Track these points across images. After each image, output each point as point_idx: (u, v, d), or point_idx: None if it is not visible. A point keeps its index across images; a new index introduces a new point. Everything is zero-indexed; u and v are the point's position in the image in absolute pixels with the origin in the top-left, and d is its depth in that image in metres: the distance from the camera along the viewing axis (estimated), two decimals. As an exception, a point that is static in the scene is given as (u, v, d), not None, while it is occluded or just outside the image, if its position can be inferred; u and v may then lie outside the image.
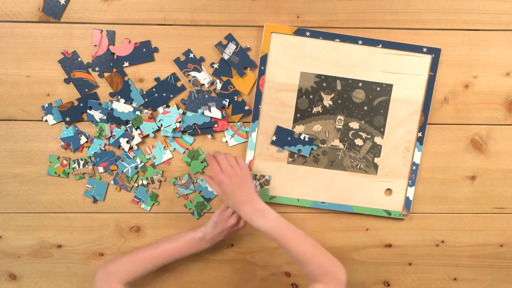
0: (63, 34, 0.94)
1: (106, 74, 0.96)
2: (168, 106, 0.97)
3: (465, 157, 1.03)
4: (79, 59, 0.95)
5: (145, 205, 1.02)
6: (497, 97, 1.00)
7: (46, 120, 0.97)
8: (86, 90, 0.96)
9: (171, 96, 0.97)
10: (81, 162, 0.99)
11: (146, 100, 0.97)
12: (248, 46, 0.96)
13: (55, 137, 0.98)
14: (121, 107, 0.96)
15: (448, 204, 1.05)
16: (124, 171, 1.00)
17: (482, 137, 1.02)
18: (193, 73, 0.96)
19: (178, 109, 0.97)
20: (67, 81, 0.96)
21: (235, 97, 0.98)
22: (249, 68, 0.97)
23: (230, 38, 0.95)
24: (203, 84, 0.97)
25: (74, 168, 0.99)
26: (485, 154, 1.03)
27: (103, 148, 0.99)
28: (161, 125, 0.97)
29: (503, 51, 0.98)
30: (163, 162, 1.00)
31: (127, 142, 0.98)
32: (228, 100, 0.97)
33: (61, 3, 0.93)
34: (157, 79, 0.97)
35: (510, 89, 1.00)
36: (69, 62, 0.95)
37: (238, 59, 0.96)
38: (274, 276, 1.08)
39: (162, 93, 0.97)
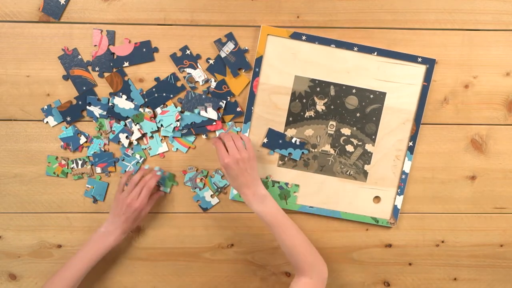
0: (63, 34, 0.94)
1: (106, 74, 0.96)
2: (165, 106, 0.97)
3: (465, 157, 1.03)
4: (79, 56, 0.95)
5: (164, 188, 1.01)
6: (497, 97, 1.00)
7: (47, 122, 0.97)
8: (84, 88, 0.96)
9: (171, 96, 0.97)
10: (80, 162, 0.99)
11: (146, 100, 0.97)
12: (246, 47, 0.96)
13: (55, 137, 0.98)
14: (122, 103, 0.96)
15: (448, 204, 1.05)
16: (127, 170, 1.00)
17: (482, 137, 1.02)
18: (188, 70, 0.96)
19: (176, 107, 0.97)
20: (65, 77, 0.96)
21: (228, 97, 0.98)
22: (243, 70, 0.97)
23: (230, 37, 0.95)
24: (197, 82, 0.97)
25: (72, 168, 0.99)
26: (485, 154, 1.03)
27: (103, 148, 0.99)
28: (161, 125, 0.98)
29: (503, 51, 0.98)
30: (158, 154, 1.00)
31: (126, 137, 0.98)
32: (225, 102, 0.97)
33: (61, 3, 0.93)
34: (157, 79, 0.97)
35: (510, 89, 1.00)
36: (69, 59, 0.95)
37: (234, 59, 0.96)
38: (274, 276, 1.08)
39: (162, 93, 0.97)
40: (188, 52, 0.96)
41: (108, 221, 0.96)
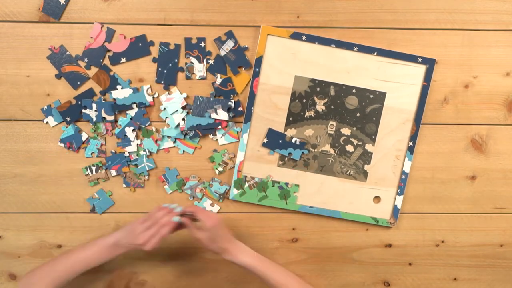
0: (63, 34, 0.94)
1: (93, 68, 0.96)
2: (170, 92, 0.97)
3: (465, 157, 1.03)
4: (67, 52, 0.95)
5: (168, 187, 1.01)
6: (497, 97, 1.00)
7: (47, 122, 0.97)
8: (79, 83, 0.96)
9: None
10: (93, 168, 0.99)
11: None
12: (246, 45, 0.96)
13: (55, 137, 0.98)
14: (121, 93, 0.96)
15: (448, 204, 1.05)
16: (140, 166, 1.00)
17: (482, 137, 1.02)
18: (193, 59, 0.96)
19: (182, 94, 0.97)
20: (58, 76, 0.96)
21: (232, 96, 0.98)
22: (243, 68, 0.97)
23: (230, 35, 0.95)
24: (194, 74, 0.97)
25: (87, 175, 1.00)
26: (485, 154, 1.03)
27: (100, 148, 0.99)
28: (165, 109, 0.97)
29: (503, 51, 0.98)
30: (163, 149, 1.00)
31: (133, 130, 0.98)
32: (233, 102, 0.97)
33: (61, 3, 0.93)
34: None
35: (510, 89, 1.00)
36: (58, 57, 0.95)
37: (234, 57, 0.96)
38: (274, 276, 1.08)
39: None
40: (202, 44, 0.96)
41: (120, 236, 0.93)
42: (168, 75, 0.96)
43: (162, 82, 0.96)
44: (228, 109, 0.98)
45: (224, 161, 1.01)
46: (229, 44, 0.96)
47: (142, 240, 0.90)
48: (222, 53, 0.96)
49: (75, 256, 0.94)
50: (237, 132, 0.99)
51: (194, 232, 0.91)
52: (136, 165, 1.00)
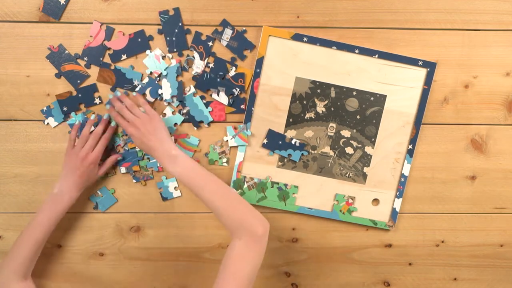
0: (63, 34, 0.94)
1: (93, 67, 0.96)
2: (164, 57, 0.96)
3: (465, 157, 1.03)
4: (66, 51, 0.95)
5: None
6: (497, 97, 1.00)
7: (48, 124, 0.97)
8: (79, 81, 0.96)
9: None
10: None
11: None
12: (244, 29, 0.96)
13: (55, 137, 0.98)
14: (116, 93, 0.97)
15: (448, 204, 1.05)
16: (152, 161, 1.00)
17: (482, 137, 1.02)
18: (195, 54, 0.96)
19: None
20: (57, 75, 0.96)
21: (240, 90, 0.98)
22: (249, 50, 0.97)
23: (224, 24, 0.95)
24: (191, 68, 0.97)
25: None
26: (485, 154, 1.03)
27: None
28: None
29: (503, 51, 0.98)
30: None
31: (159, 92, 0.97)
32: (238, 89, 0.97)
33: (61, 3, 0.93)
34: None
35: (510, 89, 1.00)
36: (57, 56, 0.95)
37: (237, 43, 0.96)
38: (274, 276, 1.08)
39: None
40: (210, 43, 0.95)
41: (60, 180, 0.93)
42: (177, 41, 0.95)
43: (175, 50, 0.96)
44: (230, 95, 0.97)
45: (220, 152, 1.00)
46: (228, 33, 0.96)
47: (84, 153, 0.91)
48: (224, 43, 0.96)
49: (32, 225, 0.91)
50: (247, 136, 0.99)
51: (126, 126, 0.91)
52: (148, 159, 1.00)
